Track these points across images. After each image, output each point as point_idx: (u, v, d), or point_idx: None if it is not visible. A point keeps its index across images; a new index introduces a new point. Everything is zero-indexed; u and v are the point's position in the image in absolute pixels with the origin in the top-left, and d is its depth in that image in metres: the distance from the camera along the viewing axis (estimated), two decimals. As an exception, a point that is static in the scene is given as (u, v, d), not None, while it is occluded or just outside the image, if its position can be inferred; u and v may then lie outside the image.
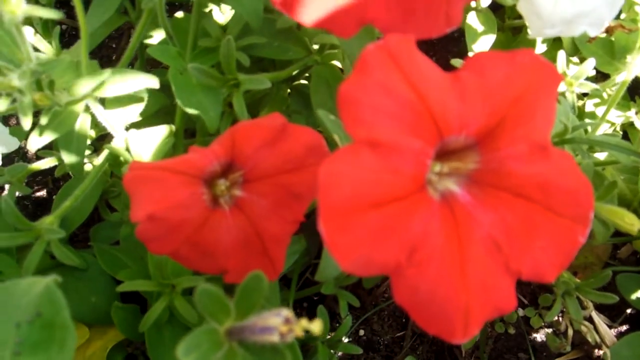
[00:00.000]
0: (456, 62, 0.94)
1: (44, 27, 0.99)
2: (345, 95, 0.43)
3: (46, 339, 0.38)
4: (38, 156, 1.21)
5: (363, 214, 0.42)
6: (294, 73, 0.91)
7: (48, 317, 0.38)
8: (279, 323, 0.43)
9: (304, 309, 1.16)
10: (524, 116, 0.49)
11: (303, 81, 1.01)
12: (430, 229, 0.45)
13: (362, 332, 1.16)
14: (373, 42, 0.44)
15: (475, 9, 1.06)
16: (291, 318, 0.43)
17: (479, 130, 0.48)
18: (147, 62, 1.12)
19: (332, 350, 0.96)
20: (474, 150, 0.50)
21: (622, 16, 1.00)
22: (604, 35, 0.99)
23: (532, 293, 1.20)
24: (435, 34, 0.49)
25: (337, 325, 0.98)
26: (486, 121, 0.47)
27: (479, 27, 1.04)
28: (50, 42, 0.96)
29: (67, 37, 1.33)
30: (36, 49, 0.94)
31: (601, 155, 0.96)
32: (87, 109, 0.76)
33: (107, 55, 1.34)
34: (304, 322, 0.43)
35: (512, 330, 1.16)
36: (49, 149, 0.96)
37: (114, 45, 1.34)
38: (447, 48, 1.34)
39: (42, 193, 1.23)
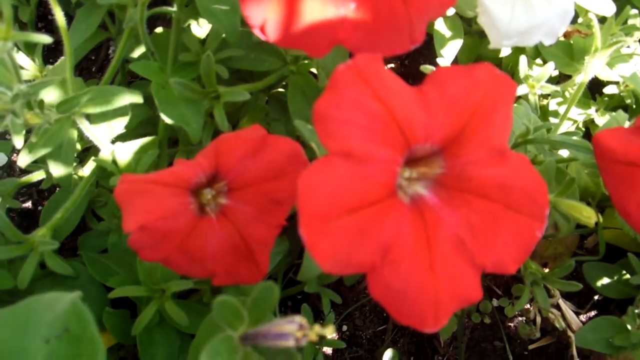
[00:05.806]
0: (425, 68, 0.98)
1: (26, 44, 1.02)
2: (319, 111, 0.48)
3: (75, 353, 0.39)
4: (22, 169, 1.24)
5: (340, 220, 0.46)
6: (271, 82, 0.95)
7: (76, 332, 0.39)
8: (294, 329, 0.47)
9: (288, 307, 1.20)
10: (483, 124, 0.53)
11: (280, 89, 1.05)
12: (401, 230, 0.50)
13: (345, 328, 1.20)
14: (344, 59, 0.48)
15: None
16: (305, 324, 0.47)
17: (442, 138, 0.52)
18: (127, 74, 1.15)
19: (317, 346, 1.00)
20: (439, 157, 0.54)
21: (580, 20, 1.05)
22: (562, 39, 1.05)
23: (505, 284, 1.26)
24: (400, 52, 0.53)
25: (321, 322, 1.02)
26: (449, 130, 0.52)
27: (447, 33, 1.09)
28: (33, 59, 0.98)
29: (47, 50, 1.35)
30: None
31: (565, 152, 1.02)
32: (74, 124, 0.79)
33: (86, 67, 1.36)
34: (317, 328, 0.47)
35: (487, 320, 1.21)
36: (34, 162, 0.99)
37: (93, 58, 1.37)
38: (418, 51, 1.39)
39: (28, 205, 1.25)
